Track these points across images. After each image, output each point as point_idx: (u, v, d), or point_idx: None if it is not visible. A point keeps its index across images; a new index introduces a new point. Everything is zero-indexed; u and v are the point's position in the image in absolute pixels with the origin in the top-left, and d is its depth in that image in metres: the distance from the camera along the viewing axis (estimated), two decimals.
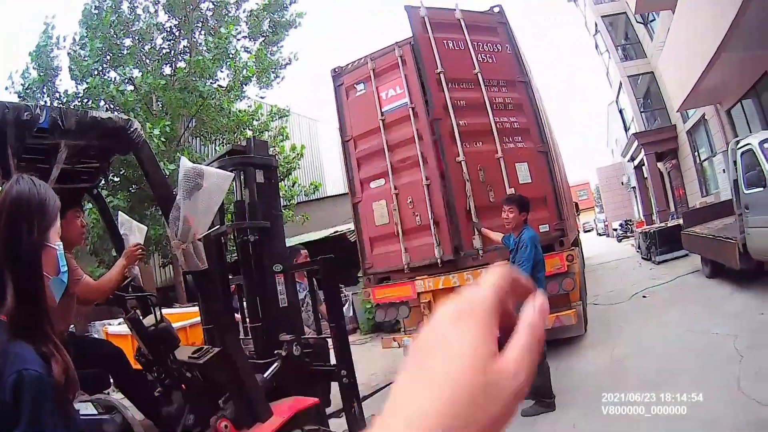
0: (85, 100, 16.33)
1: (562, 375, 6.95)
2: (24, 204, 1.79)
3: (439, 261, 7.68)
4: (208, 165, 3.95)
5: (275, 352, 4.32)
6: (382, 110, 8.31)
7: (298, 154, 19.12)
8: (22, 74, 16.84)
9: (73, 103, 16.52)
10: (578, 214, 16.27)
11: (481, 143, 7.77)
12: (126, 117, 3.57)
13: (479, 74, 7.98)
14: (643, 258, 17.80)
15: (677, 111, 20.51)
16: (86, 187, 4.41)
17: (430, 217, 7.74)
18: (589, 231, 53.19)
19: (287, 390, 4.14)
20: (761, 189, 7.34)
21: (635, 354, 7.07)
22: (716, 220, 11.48)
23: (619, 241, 31.56)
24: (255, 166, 4.59)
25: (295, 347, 4.34)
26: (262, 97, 19.89)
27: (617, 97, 30.26)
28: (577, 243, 10.05)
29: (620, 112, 30.55)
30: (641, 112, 25.87)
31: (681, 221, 14.42)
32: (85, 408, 3.25)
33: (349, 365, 4.71)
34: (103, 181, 4.39)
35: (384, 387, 6.73)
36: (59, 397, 1.76)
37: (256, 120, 18.51)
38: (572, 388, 6.36)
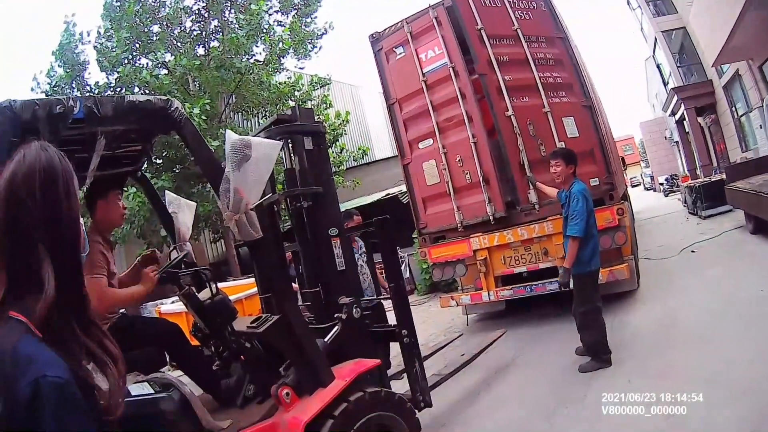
0: (118, 89, 16.37)
1: (616, 330, 6.89)
2: (58, 171, 1.53)
3: (491, 218, 7.70)
4: (254, 136, 4.00)
5: (335, 315, 4.36)
6: (423, 71, 8.29)
7: (343, 121, 19.16)
8: (48, 73, 16.92)
9: (106, 93, 16.45)
10: (625, 169, 16.09)
11: (527, 98, 7.72)
12: (165, 97, 3.62)
13: (519, 30, 7.92)
14: (689, 212, 17.56)
15: (712, 66, 20.19)
16: (129, 170, 4.54)
17: (479, 174, 7.75)
18: (636, 186, 52.34)
19: (348, 353, 4.23)
20: None
21: (686, 309, 7.02)
22: (758, 175, 11.25)
23: (666, 195, 31.02)
24: (303, 133, 4.59)
25: (354, 309, 4.38)
26: (301, 68, 19.86)
27: (653, 53, 29.63)
28: (626, 197, 9.96)
29: (658, 67, 29.92)
30: (678, 67, 25.33)
31: (724, 176, 14.10)
32: (141, 388, 3.36)
33: (409, 325, 4.76)
34: (146, 164, 4.45)
35: (444, 346, 6.69)
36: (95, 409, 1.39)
37: (298, 90, 18.46)
38: (626, 343, 6.33)
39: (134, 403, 3.15)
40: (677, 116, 28.41)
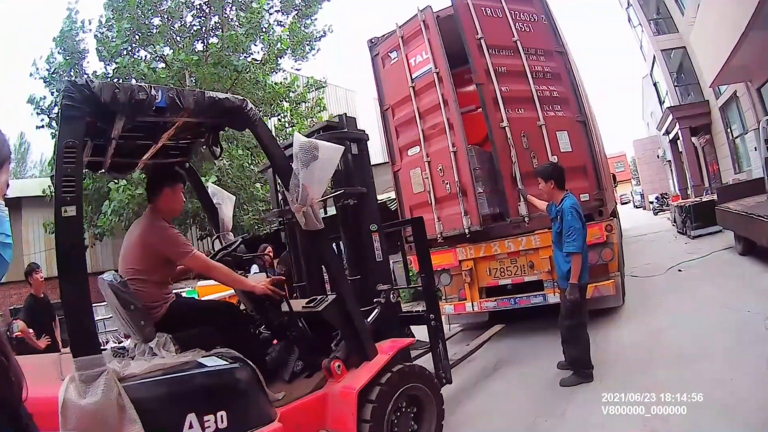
0: (116, 79, 16.17)
1: (600, 346, 6.89)
2: None
3: (467, 231, 7.63)
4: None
5: (374, 300, 4.96)
6: (412, 77, 8.31)
7: None
8: (47, 59, 17.01)
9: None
10: (616, 186, 16.16)
11: (522, 110, 7.71)
12: (241, 97, 3.97)
13: (518, 42, 7.91)
14: (678, 232, 17.62)
15: (710, 87, 20.23)
16: (178, 161, 4.90)
17: (457, 185, 7.70)
18: (626, 203, 52.79)
19: (384, 333, 4.83)
20: None
21: (671, 327, 7.04)
22: (749, 197, 11.29)
23: (656, 214, 31.23)
24: (350, 139, 5.09)
25: (391, 295, 5.07)
26: (297, 70, 19.97)
27: (651, 71, 29.68)
28: (615, 214, 10.01)
29: (654, 85, 29.94)
30: (675, 86, 25.36)
31: (715, 196, 14.18)
32: (213, 360, 3.68)
33: (436, 310, 5.61)
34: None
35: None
36: None
37: (293, 92, 18.59)
38: (610, 359, 6.34)
39: (211, 373, 3.54)
40: (671, 135, 28.44)
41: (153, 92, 3.35)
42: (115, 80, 16.06)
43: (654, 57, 26.44)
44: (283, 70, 19.64)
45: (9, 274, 1.60)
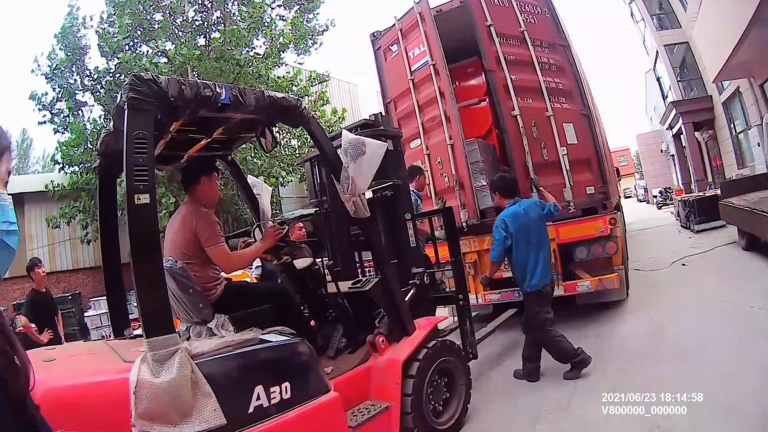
0: (118, 75, 16.47)
1: (603, 339, 6.94)
2: None
3: (464, 225, 7.64)
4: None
5: (410, 282, 5.35)
6: (411, 69, 8.31)
7: (339, 118, 19.78)
8: (49, 56, 17.01)
9: (105, 79, 16.81)
10: (619, 180, 16.12)
11: (531, 100, 7.69)
12: (296, 96, 4.53)
13: (525, 32, 7.89)
14: (682, 226, 17.64)
15: (712, 82, 20.21)
16: (222, 154, 5.22)
17: (455, 178, 7.70)
18: (629, 197, 52.28)
19: (417, 312, 5.18)
20: None
21: (674, 321, 7.00)
22: (753, 192, 11.27)
23: (659, 208, 31.21)
24: (387, 136, 5.41)
25: (425, 277, 5.50)
26: (300, 63, 19.85)
27: (654, 66, 29.63)
28: (619, 207, 9.97)
29: (658, 80, 29.91)
30: (678, 81, 25.33)
31: (719, 191, 14.16)
32: (274, 336, 3.96)
33: (464, 291, 6.04)
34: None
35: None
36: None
37: (296, 85, 18.62)
38: (613, 353, 6.34)
39: (275, 347, 3.80)
40: (674, 130, 28.42)
41: (218, 89, 3.60)
42: (117, 76, 16.47)
43: (657, 52, 26.40)
44: (286, 64, 19.63)
45: (11, 269, 1.58)
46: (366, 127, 5.49)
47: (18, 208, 15.51)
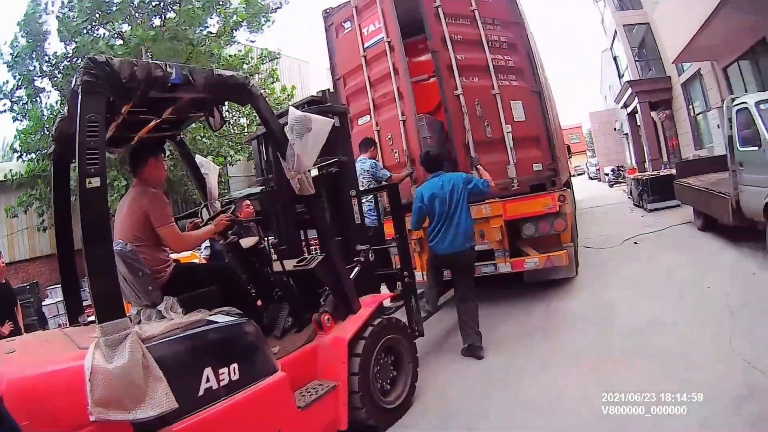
0: (75, 59, 16.11)
1: (551, 315, 7.04)
2: None
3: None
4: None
5: (354, 259, 5.39)
6: (365, 46, 8.25)
7: (288, 95, 19.79)
8: (11, 44, 16.66)
9: (63, 64, 16.52)
10: (570, 157, 16.19)
11: (477, 78, 7.65)
12: (246, 74, 4.51)
13: (476, 11, 7.83)
14: (634, 204, 17.77)
15: (672, 63, 20.33)
16: (171, 134, 5.23)
17: (406, 154, 7.74)
18: (580, 174, 52.80)
19: (362, 289, 5.20)
20: (756, 148, 7.20)
21: (626, 299, 7.04)
22: (710, 173, 11.33)
23: (611, 186, 31.34)
24: (334, 112, 5.39)
25: (370, 254, 5.50)
26: (252, 42, 19.82)
27: (612, 45, 29.75)
28: (569, 184, 10.02)
29: (614, 59, 29.97)
30: (636, 61, 25.50)
31: (674, 171, 14.28)
32: (221, 317, 3.93)
33: (410, 268, 6.08)
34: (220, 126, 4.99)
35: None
36: None
37: (247, 63, 18.67)
38: (562, 329, 6.42)
39: (222, 328, 3.78)
40: (629, 109, 28.61)
41: (168, 69, 3.60)
42: (75, 60, 16.09)
43: (615, 32, 26.54)
44: (238, 43, 19.60)
45: None
46: (313, 104, 5.49)
47: None
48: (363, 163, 7.27)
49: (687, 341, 5.14)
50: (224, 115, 4.89)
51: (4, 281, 7.88)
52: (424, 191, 6.32)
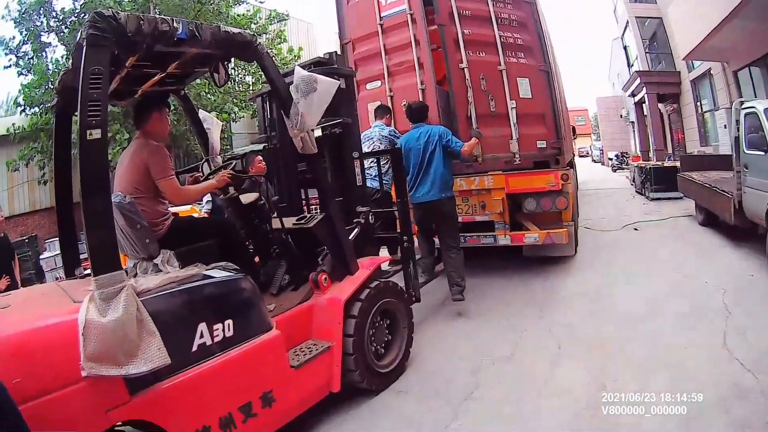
0: (82, 15, 16.03)
1: (549, 292, 7.07)
2: None
3: None
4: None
5: (354, 221, 5.40)
6: (381, 15, 8.16)
7: (295, 56, 19.85)
8: (19, 1, 16.59)
9: (70, 19, 16.45)
10: (575, 138, 16.10)
11: (483, 53, 7.62)
12: (252, 32, 4.51)
13: None
14: (637, 192, 17.76)
15: (683, 59, 20.25)
16: (175, 89, 5.19)
17: None
18: (584, 156, 52.37)
19: (361, 251, 5.26)
20: (762, 153, 7.18)
21: (622, 284, 7.10)
22: (714, 171, 11.32)
23: (614, 170, 31.15)
24: (340, 74, 5.37)
25: (370, 216, 5.52)
26: (261, 2, 19.73)
27: (623, 34, 29.68)
28: (572, 164, 10.01)
29: (625, 48, 29.95)
30: (646, 53, 25.48)
31: (678, 163, 14.20)
32: (217, 272, 3.91)
33: (409, 232, 6.05)
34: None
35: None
36: None
37: (255, 23, 18.60)
38: (558, 307, 6.44)
39: (218, 283, 3.78)
40: (637, 98, 28.64)
41: (175, 25, 3.59)
42: (82, 15, 16.03)
43: (627, 22, 26.50)
44: (246, 2, 19.58)
45: None
46: (320, 65, 5.45)
47: None
48: (381, 129, 7.28)
49: (682, 333, 5.15)
50: (229, 72, 4.84)
51: (2, 235, 7.94)
52: (403, 142, 6.69)
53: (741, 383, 4.08)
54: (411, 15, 7.77)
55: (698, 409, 3.77)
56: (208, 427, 3.40)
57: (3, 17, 16.58)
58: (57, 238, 5.32)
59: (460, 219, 7.55)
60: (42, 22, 16.58)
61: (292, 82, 4.45)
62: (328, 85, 4.51)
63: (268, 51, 4.42)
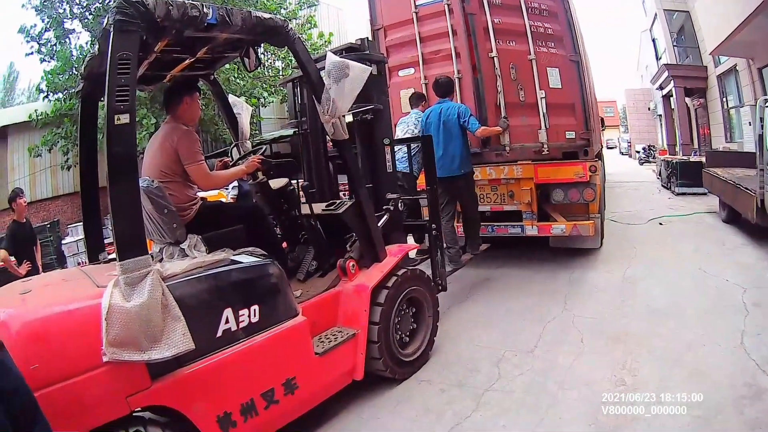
0: (107, 1, 16.01)
1: (574, 284, 7.05)
2: None
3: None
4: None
5: (383, 207, 5.40)
6: (417, 4, 8.12)
7: (326, 42, 19.61)
8: None
9: (94, 6, 16.50)
10: (603, 129, 15.99)
11: (514, 42, 7.56)
12: (283, 18, 4.53)
13: None
14: (662, 185, 17.60)
15: (710, 54, 20.12)
16: (205, 74, 5.19)
17: None
18: (612, 148, 52.05)
19: (389, 238, 5.25)
20: None
21: (646, 279, 7.04)
22: (739, 168, 11.05)
23: (641, 164, 30.68)
24: (372, 61, 5.35)
25: (400, 203, 5.55)
26: None
27: (651, 27, 29.30)
28: (600, 156, 9.94)
29: (653, 41, 29.56)
30: (674, 46, 25.19)
31: (703, 159, 14.12)
32: (245, 257, 3.91)
33: (437, 221, 6.10)
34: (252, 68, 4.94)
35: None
36: None
37: (284, 9, 18.52)
38: (583, 300, 6.42)
39: (245, 268, 3.75)
40: (665, 91, 28.28)
41: (205, 10, 3.55)
42: (107, 1, 15.95)
43: (655, 14, 26.16)
44: None
45: None
46: (351, 51, 5.44)
47: (1, 142, 15.34)
48: (418, 116, 7.37)
49: (701, 330, 5.12)
50: (260, 57, 4.81)
51: (24, 220, 8.00)
52: (424, 117, 7.07)
53: (756, 383, 4.07)
54: (448, 5, 7.73)
55: (713, 408, 3.77)
56: (229, 414, 3.41)
57: (23, 6, 16.63)
58: (79, 224, 5.35)
59: (489, 208, 7.66)
60: (65, 9, 16.61)
61: (323, 68, 4.44)
62: (360, 71, 4.48)
63: (299, 36, 4.38)
